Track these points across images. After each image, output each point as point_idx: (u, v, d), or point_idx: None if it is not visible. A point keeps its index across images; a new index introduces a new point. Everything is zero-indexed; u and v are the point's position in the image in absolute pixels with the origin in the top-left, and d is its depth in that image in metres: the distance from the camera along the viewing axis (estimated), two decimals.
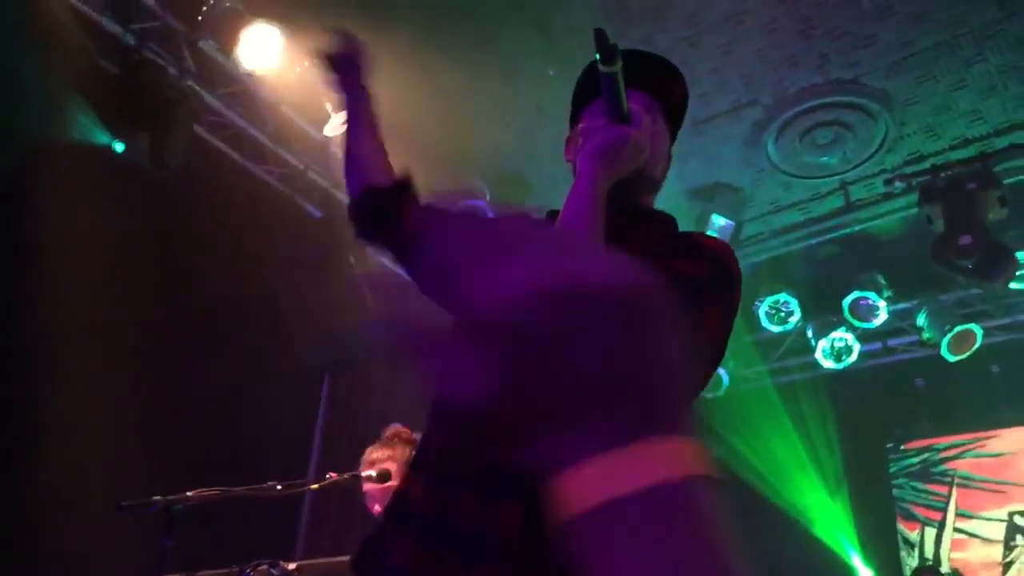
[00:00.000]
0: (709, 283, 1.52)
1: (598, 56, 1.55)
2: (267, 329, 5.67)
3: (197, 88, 5.11)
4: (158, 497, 2.65)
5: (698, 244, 1.61)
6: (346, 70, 2.08)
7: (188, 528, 2.86)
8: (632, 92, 1.63)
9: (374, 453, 3.48)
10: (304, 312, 5.80)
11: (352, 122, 2.04)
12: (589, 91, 1.71)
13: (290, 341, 5.79)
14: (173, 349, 4.97)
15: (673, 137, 1.83)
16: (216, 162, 5.44)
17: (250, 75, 5.06)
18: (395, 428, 3.58)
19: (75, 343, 4.43)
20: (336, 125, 5.42)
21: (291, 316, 5.92)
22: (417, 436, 3.43)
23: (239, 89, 5.35)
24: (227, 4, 4.83)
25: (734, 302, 1.58)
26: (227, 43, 4.92)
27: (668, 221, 1.75)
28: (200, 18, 4.88)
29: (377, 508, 3.37)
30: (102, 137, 4.68)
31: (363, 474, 3.23)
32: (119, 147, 4.69)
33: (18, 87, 4.29)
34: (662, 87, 1.79)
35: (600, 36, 1.54)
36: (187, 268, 5.26)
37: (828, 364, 7.09)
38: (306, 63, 5.10)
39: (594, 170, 1.54)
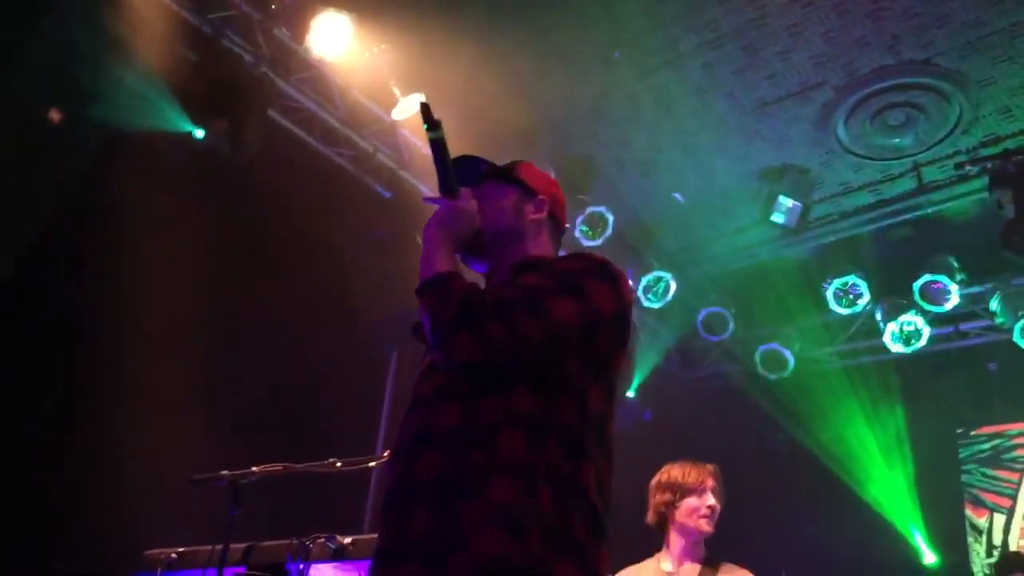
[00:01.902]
0: (583, 274, 1.83)
1: (425, 126, 1.94)
2: (338, 306, 5.88)
3: (271, 75, 5.29)
4: (225, 472, 2.84)
5: (571, 258, 1.95)
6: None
7: (263, 500, 3.04)
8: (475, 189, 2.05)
9: None
10: (373, 290, 5.98)
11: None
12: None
13: (360, 318, 5.98)
14: (248, 329, 5.19)
15: (520, 183, 2.13)
16: (289, 145, 5.63)
17: (321, 61, 5.22)
18: None
19: (156, 324, 4.67)
20: (403, 108, 5.55)
21: (361, 293, 6.11)
22: None
23: (311, 75, 5.51)
24: None
25: (617, 291, 1.85)
26: (299, 31, 5.09)
27: (546, 265, 1.98)
28: (273, 7, 5.05)
29: None
30: (184, 125, 4.89)
31: None
32: (199, 133, 4.91)
33: (103, 77, 4.52)
34: (477, 170, 2.16)
35: (424, 109, 1.94)
36: (262, 248, 5.48)
37: (897, 348, 6.99)
38: (374, 49, 5.24)
39: (431, 236, 1.90)
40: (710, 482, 3.45)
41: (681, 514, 3.42)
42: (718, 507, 3.44)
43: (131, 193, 4.77)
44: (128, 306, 4.73)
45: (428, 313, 1.73)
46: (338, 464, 3.05)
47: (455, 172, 1.99)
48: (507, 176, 2.16)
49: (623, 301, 1.85)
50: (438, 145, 1.94)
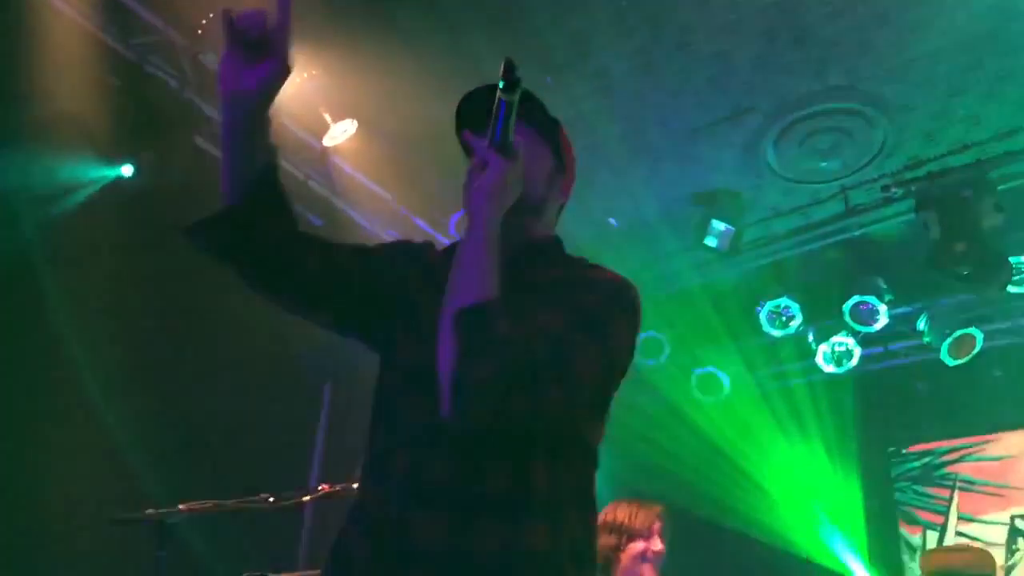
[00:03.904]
0: (607, 311, 1.67)
1: (501, 83, 1.60)
2: (268, 339, 5.73)
3: (197, 100, 5.17)
4: (151, 510, 2.71)
5: (592, 280, 1.77)
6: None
7: (194, 539, 2.92)
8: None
9: None
10: (304, 321, 5.85)
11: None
12: (477, 116, 1.79)
13: (291, 350, 5.84)
14: (173, 361, 5.03)
15: (557, 153, 1.95)
16: (216, 173, 5.49)
17: None
18: None
19: (79, 358, 4.50)
20: (335, 134, 5.48)
21: (292, 324, 5.98)
22: None
23: None
24: None
25: (634, 324, 1.74)
26: None
27: (558, 253, 1.90)
28: (200, 32, 4.95)
29: None
30: (107, 170, 4.75)
31: (355, 486, 3.27)
32: (127, 170, 4.77)
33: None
34: (532, 113, 1.88)
35: (509, 66, 1.58)
36: (188, 279, 5.32)
37: (829, 368, 7.09)
38: (304, 74, 5.15)
39: (485, 209, 1.64)
40: (657, 525, 3.39)
41: (627, 558, 3.35)
42: (663, 551, 3.38)
43: (49, 225, 4.61)
44: (48, 342, 4.56)
45: (462, 357, 1.48)
46: (270, 500, 2.94)
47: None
48: (550, 134, 1.93)
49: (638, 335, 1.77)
50: (508, 109, 1.64)
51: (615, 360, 1.67)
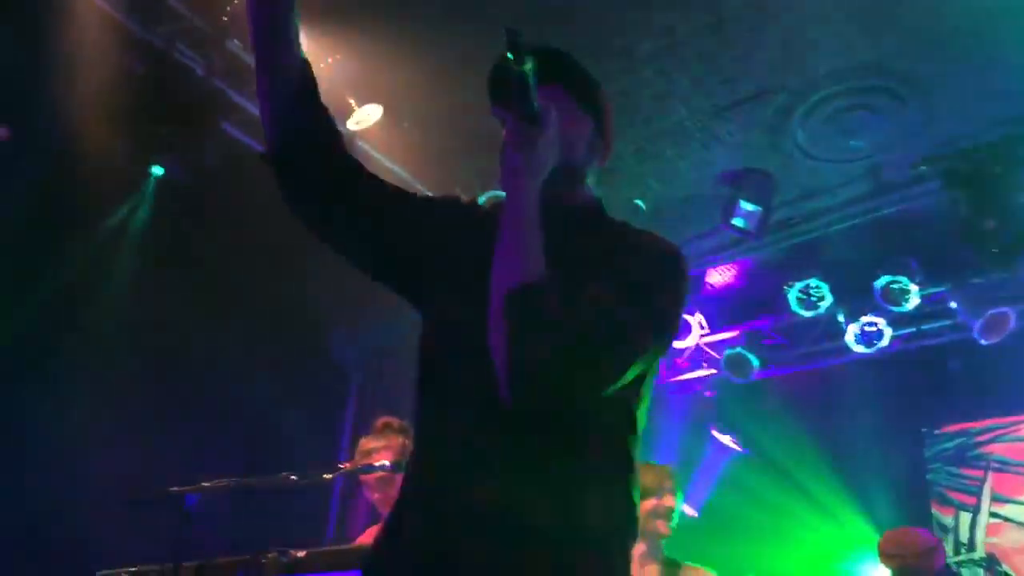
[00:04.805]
0: (656, 279, 1.65)
1: (509, 56, 1.54)
2: (299, 324, 5.82)
3: (225, 87, 5.22)
4: (175, 488, 2.78)
5: (638, 246, 1.75)
6: None
7: (225, 519, 2.99)
8: (542, 88, 1.64)
9: (369, 444, 3.63)
10: (335, 303, 5.92)
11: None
12: (503, 88, 1.73)
13: (321, 336, 5.93)
14: (206, 347, 5.12)
15: (599, 126, 1.91)
16: (246, 158, 5.57)
17: None
18: (386, 419, 3.72)
19: (113, 342, 4.60)
20: (360, 118, 5.51)
21: (322, 307, 6.05)
22: (408, 424, 3.56)
23: None
24: None
25: (683, 290, 1.73)
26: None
27: (600, 216, 1.86)
28: (224, 19, 5.00)
29: (376, 496, 3.54)
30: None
31: (376, 464, 3.33)
32: (158, 171, 4.85)
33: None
34: (571, 77, 1.86)
35: (512, 35, 1.52)
36: (222, 262, 5.41)
37: (859, 349, 7.03)
38: (329, 59, 5.19)
39: (520, 186, 1.61)
40: (668, 483, 3.52)
41: (641, 513, 3.42)
42: (674, 506, 3.51)
43: (83, 208, 4.71)
44: (84, 324, 4.66)
45: (516, 341, 1.47)
46: (293, 478, 3.00)
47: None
48: (590, 97, 1.90)
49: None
50: (522, 79, 1.57)
51: (666, 328, 1.67)
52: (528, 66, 1.55)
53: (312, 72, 1.83)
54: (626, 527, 1.71)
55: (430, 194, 2.12)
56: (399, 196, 1.90)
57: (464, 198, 2.07)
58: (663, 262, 1.71)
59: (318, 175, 1.80)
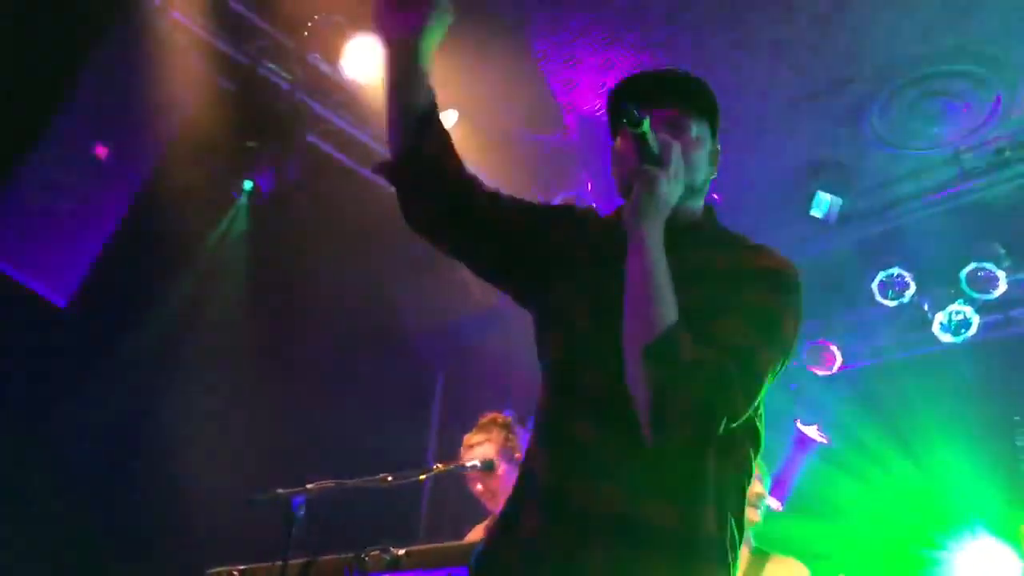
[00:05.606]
0: (779, 307, 1.73)
1: (625, 120, 1.65)
2: (383, 325, 5.97)
3: (308, 100, 5.39)
4: (281, 490, 2.92)
5: (758, 271, 1.80)
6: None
7: (321, 517, 3.13)
8: (657, 113, 1.75)
9: (473, 438, 3.73)
10: (416, 306, 6.06)
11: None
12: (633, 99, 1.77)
13: (406, 336, 6.07)
14: (296, 353, 5.30)
15: (714, 132, 1.97)
16: (328, 169, 5.74)
17: (355, 84, 5.30)
18: (491, 415, 3.81)
19: (214, 351, 4.81)
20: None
21: (405, 312, 6.20)
22: (512, 420, 3.66)
23: (346, 98, 5.58)
24: (332, 19, 5.08)
25: (800, 311, 1.79)
26: (332, 55, 5.16)
27: (714, 227, 1.93)
28: (306, 33, 5.15)
29: (478, 487, 3.64)
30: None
31: (467, 464, 3.44)
32: (247, 185, 5.03)
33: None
34: (686, 96, 1.91)
35: (628, 114, 1.63)
36: (311, 271, 5.59)
37: (946, 338, 6.89)
38: None
39: (646, 227, 1.67)
40: (756, 471, 3.52)
41: None
42: (764, 495, 3.51)
43: (177, 220, 4.92)
44: (184, 332, 4.87)
45: (657, 392, 1.54)
46: (388, 479, 3.12)
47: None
48: (706, 112, 1.95)
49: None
50: (639, 137, 1.68)
51: (790, 351, 1.77)
52: (645, 127, 1.65)
53: (435, 99, 1.92)
54: (737, 536, 1.74)
55: (546, 203, 2.20)
56: (517, 208, 1.98)
57: (578, 208, 2.15)
58: (782, 284, 1.78)
59: (434, 189, 1.89)
